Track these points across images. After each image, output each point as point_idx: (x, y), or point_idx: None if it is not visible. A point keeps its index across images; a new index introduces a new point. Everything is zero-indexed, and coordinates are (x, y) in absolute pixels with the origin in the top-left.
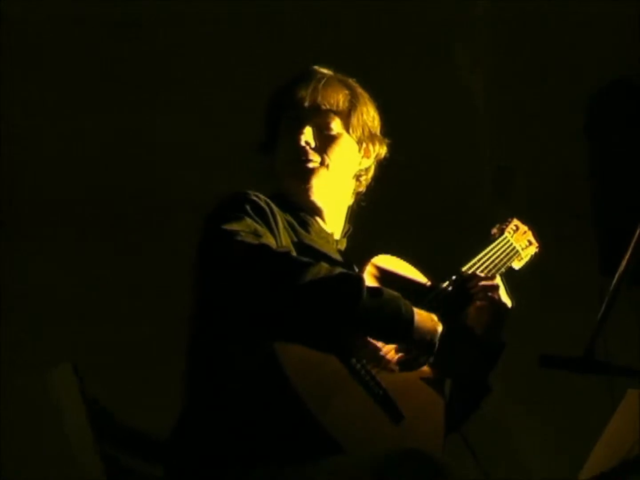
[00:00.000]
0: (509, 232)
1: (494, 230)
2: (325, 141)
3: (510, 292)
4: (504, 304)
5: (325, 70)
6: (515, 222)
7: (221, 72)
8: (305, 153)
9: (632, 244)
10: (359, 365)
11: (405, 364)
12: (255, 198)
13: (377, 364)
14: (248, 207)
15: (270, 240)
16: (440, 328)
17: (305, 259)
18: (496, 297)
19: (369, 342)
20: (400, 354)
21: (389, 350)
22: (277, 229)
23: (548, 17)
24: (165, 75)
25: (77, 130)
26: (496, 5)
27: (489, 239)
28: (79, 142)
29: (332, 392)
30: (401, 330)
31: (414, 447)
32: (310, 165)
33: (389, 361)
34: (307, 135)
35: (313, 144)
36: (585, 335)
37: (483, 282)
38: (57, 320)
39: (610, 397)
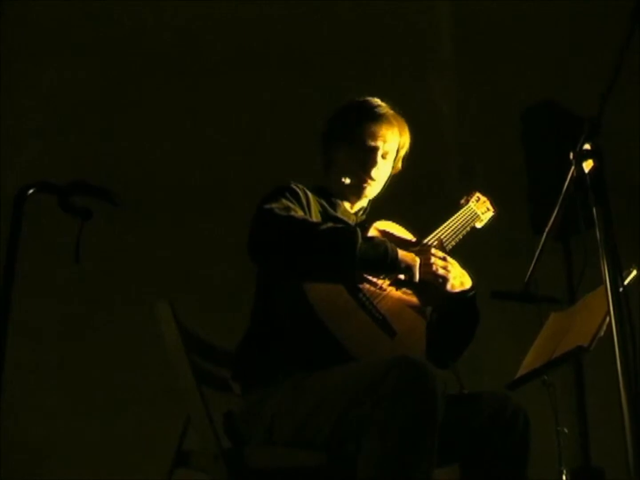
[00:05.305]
0: (473, 202)
1: (462, 201)
2: (382, 166)
3: (474, 247)
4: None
5: (382, 108)
6: (478, 194)
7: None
8: (371, 177)
9: (554, 213)
10: (364, 298)
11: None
12: (293, 186)
13: (377, 297)
14: (286, 192)
15: (299, 213)
16: (418, 260)
17: (318, 221)
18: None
19: (370, 280)
20: (392, 285)
21: (384, 282)
22: (309, 207)
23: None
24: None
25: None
26: (459, 47)
27: (457, 206)
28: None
29: (345, 317)
30: (389, 262)
31: (405, 353)
32: (370, 182)
33: (386, 289)
34: (378, 162)
35: (377, 169)
36: (523, 276)
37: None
38: (163, 272)
39: (539, 319)
